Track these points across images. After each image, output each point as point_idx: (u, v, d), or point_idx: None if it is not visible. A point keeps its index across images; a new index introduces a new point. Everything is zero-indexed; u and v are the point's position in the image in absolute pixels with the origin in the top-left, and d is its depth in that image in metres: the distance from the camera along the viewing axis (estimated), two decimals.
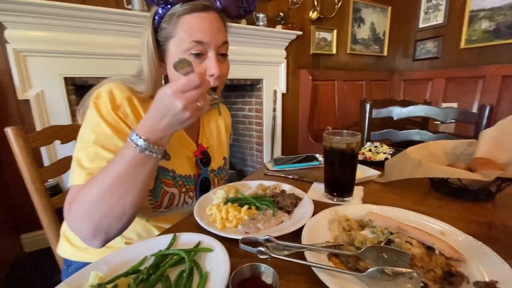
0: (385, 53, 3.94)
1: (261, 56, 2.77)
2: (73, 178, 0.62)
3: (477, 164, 0.78)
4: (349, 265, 0.47)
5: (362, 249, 0.48)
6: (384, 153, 1.09)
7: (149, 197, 0.74)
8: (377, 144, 1.19)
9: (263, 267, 0.43)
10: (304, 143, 3.26)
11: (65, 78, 1.86)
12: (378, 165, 1.07)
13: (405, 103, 1.50)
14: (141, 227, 0.80)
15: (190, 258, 0.49)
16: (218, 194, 0.77)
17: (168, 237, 0.57)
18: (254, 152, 3.37)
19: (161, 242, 0.55)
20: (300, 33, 2.87)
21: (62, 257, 0.82)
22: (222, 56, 0.73)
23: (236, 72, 2.68)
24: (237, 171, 3.52)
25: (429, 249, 0.49)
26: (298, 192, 0.78)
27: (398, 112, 1.38)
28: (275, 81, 3.02)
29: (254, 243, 0.52)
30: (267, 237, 0.52)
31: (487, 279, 0.43)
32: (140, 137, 0.53)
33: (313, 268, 0.46)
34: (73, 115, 1.92)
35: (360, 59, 3.75)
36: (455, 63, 3.31)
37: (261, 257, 0.48)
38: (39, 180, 0.89)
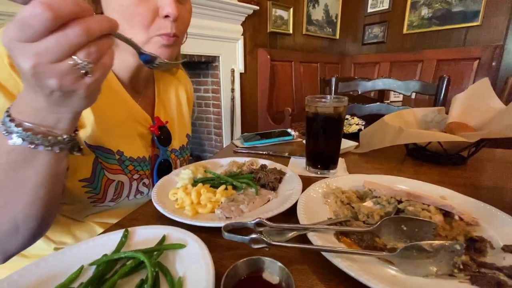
0: (337, 36, 4.04)
1: (217, 30, 2.54)
2: None
3: (453, 129, 0.77)
4: (365, 244, 0.38)
5: (378, 223, 0.39)
6: (357, 124, 1.05)
7: (87, 188, 0.55)
8: (348, 116, 1.15)
9: (266, 261, 0.30)
10: (264, 125, 3.19)
11: None
12: (352, 137, 1.02)
13: (364, 79, 1.51)
14: (76, 227, 0.60)
15: (153, 261, 0.34)
16: (183, 175, 0.61)
17: (116, 234, 0.40)
18: (213, 137, 3.18)
19: (106, 243, 0.38)
20: (257, 8, 2.71)
21: None
22: None
23: (190, 47, 2.41)
24: (194, 158, 3.30)
25: (446, 215, 0.42)
26: (279, 166, 0.67)
27: (363, 85, 1.38)
28: (232, 59, 2.83)
29: (241, 229, 0.39)
30: (257, 220, 0.39)
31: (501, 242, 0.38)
32: (16, 123, 0.33)
33: (324, 254, 0.35)
34: None
35: (315, 41, 3.78)
36: (399, 47, 3.57)
37: (255, 247, 0.36)
38: None
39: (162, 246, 0.37)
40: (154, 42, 0.52)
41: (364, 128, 1.01)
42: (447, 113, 0.89)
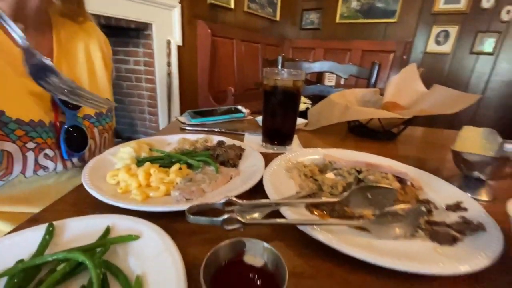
0: (278, 18, 4.07)
1: None
2: None
3: (388, 107, 0.86)
4: (336, 214, 0.38)
5: (347, 194, 0.39)
6: (304, 103, 1.07)
7: None
8: None
9: (248, 242, 0.26)
10: (205, 104, 3.04)
11: None
12: (300, 115, 1.04)
13: (308, 62, 1.56)
14: None
15: (97, 261, 0.25)
16: (121, 153, 0.50)
17: (34, 232, 0.29)
18: (147, 116, 2.87)
19: (19, 246, 0.28)
20: None
21: None
22: None
23: (114, 8, 2.03)
24: (124, 139, 2.93)
25: (400, 182, 0.46)
26: (238, 143, 0.62)
27: (308, 66, 1.42)
28: (167, 29, 2.54)
29: (207, 211, 0.34)
30: (226, 199, 0.35)
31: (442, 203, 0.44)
32: None
33: (301, 228, 0.33)
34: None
35: (256, 20, 3.72)
36: (332, 35, 3.83)
37: (228, 228, 0.31)
38: None
39: (107, 240, 0.29)
40: None
41: (311, 106, 1.04)
42: (381, 94, 0.98)
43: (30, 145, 0.47)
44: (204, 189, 0.42)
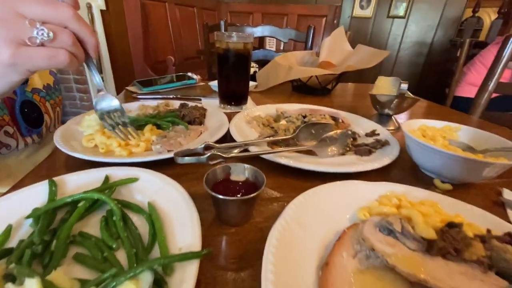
0: None
1: None
2: None
3: (323, 66, 1.00)
4: (291, 147, 0.49)
5: (296, 131, 0.50)
6: (252, 67, 1.14)
7: None
8: None
9: (232, 166, 0.35)
10: (143, 76, 2.82)
11: None
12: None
13: (249, 27, 1.59)
14: None
15: (109, 196, 0.31)
16: (87, 121, 0.51)
17: (36, 188, 0.32)
18: (76, 95, 2.54)
19: (25, 200, 0.31)
20: None
21: None
22: None
23: None
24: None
25: (334, 120, 0.59)
26: (199, 104, 0.67)
27: (251, 31, 1.46)
28: None
29: (193, 154, 0.41)
30: (205, 144, 0.42)
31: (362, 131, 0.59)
32: None
33: (266, 157, 0.43)
34: None
35: None
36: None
37: (212, 163, 0.39)
38: None
39: (112, 183, 0.34)
40: None
41: (259, 70, 1.12)
42: (317, 55, 1.11)
43: None
44: (181, 142, 0.48)
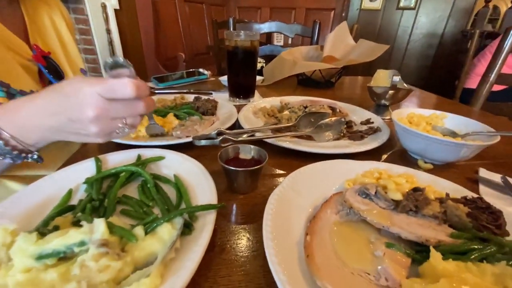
0: None
1: None
2: None
3: (327, 61, 1.05)
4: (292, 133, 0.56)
5: (297, 119, 0.57)
6: (259, 62, 1.20)
7: None
8: None
9: (240, 147, 0.42)
10: (155, 72, 2.92)
11: None
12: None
13: (256, 23, 1.65)
14: None
15: (143, 169, 0.39)
16: None
17: (85, 163, 0.41)
18: None
19: (78, 173, 0.39)
20: None
21: None
22: None
23: None
24: None
25: (332, 110, 0.66)
26: (212, 97, 0.75)
27: (258, 27, 1.52)
28: None
29: (208, 138, 0.48)
30: (218, 130, 0.49)
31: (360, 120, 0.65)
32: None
33: (270, 141, 0.51)
34: None
35: None
36: None
37: (224, 145, 0.46)
38: None
39: (145, 160, 0.42)
40: None
41: (265, 65, 1.18)
42: (322, 50, 1.17)
43: None
44: (197, 129, 0.56)
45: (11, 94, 0.49)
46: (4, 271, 0.24)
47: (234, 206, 0.38)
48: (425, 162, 0.50)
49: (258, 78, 1.06)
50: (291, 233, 0.31)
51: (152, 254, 0.26)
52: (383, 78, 0.80)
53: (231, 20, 1.49)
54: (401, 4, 3.37)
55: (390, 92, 0.68)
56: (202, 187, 0.37)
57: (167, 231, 0.28)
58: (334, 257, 0.27)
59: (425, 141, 0.47)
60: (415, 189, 0.33)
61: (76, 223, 0.30)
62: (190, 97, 0.76)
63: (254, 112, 0.68)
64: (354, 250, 0.28)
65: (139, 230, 0.27)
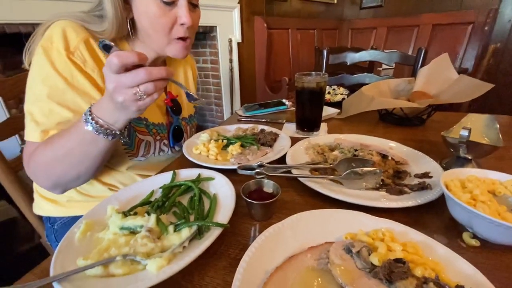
0: (335, 0, 3.97)
1: None
2: (28, 133, 0.61)
3: (415, 97, 0.96)
4: (327, 175, 0.60)
5: (336, 162, 0.60)
6: (341, 94, 1.23)
7: (124, 147, 0.74)
8: (335, 87, 1.32)
9: (265, 181, 0.52)
10: (262, 95, 3.32)
11: None
12: (336, 105, 1.21)
13: (355, 49, 1.64)
14: (122, 176, 0.80)
15: (197, 186, 0.55)
16: (202, 137, 0.81)
17: (167, 174, 0.61)
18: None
19: (163, 179, 0.60)
20: None
21: (41, 216, 0.80)
22: (192, 5, 0.68)
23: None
24: (197, 129, 3.47)
25: (384, 157, 0.64)
26: (275, 130, 0.87)
27: (351, 57, 1.52)
28: (229, 29, 2.87)
29: (249, 169, 0.60)
30: (259, 162, 0.61)
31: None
32: (91, 117, 0.51)
33: (300, 179, 0.57)
34: (6, 70, 1.58)
35: (311, 6, 3.73)
36: (396, 11, 3.55)
37: (258, 177, 0.57)
38: None
39: (200, 179, 0.59)
40: (174, 44, 0.68)
41: (347, 97, 1.19)
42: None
43: (158, 137, 0.81)
44: (249, 158, 0.69)
45: (147, 125, 0.78)
46: (105, 230, 0.44)
47: (252, 229, 0.48)
48: (473, 237, 0.42)
49: (333, 110, 1.10)
50: (267, 264, 0.38)
51: (173, 245, 0.40)
52: (476, 125, 0.68)
53: (325, 52, 1.56)
54: None
55: (465, 147, 0.58)
56: (226, 207, 0.49)
57: (185, 233, 0.41)
58: None
59: (468, 214, 0.41)
60: (397, 260, 0.33)
61: (147, 213, 0.49)
62: (262, 127, 0.91)
63: (307, 148, 0.74)
64: None
65: (170, 228, 0.43)
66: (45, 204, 0.78)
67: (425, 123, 0.99)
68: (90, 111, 0.52)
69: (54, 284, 0.33)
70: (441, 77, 0.97)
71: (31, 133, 0.60)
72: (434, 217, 0.49)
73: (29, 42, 0.64)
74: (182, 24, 0.65)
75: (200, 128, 0.99)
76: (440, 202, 0.49)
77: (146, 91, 0.45)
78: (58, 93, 0.59)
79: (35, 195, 0.80)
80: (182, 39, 0.68)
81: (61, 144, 0.56)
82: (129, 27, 0.68)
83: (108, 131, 0.52)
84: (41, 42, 0.60)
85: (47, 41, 0.60)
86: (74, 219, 0.68)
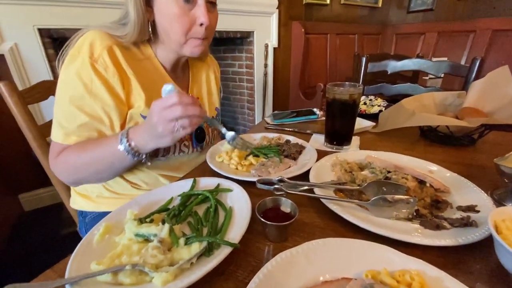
0: (380, 4, 3.77)
1: (252, 5, 2.59)
2: (53, 134, 0.67)
3: (465, 113, 0.85)
4: (353, 198, 0.55)
5: (365, 185, 0.55)
6: (379, 105, 1.14)
7: None
8: (372, 97, 1.24)
9: (283, 199, 0.49)
10: (295, 101, 3.27)
11: (40, 30, 1.69)
12: (372, 117, 1.12)
13: (398, 57, 1.52)
14: (144, 175, 0.82)
15: (214, 197, 0.55)
16: (226, 146, 0.81)
17: (189, 181, 0.62)
18: (246, 111, 3.36)
19: (183, 186, 0.60)
20: None
21: (76, 209, 0.87)
22: (211, 4, 0.70)
23: (224, 23, 2.50)
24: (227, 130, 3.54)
25: (421, 183, 0.57)
26: (301, 142, 0.83)
27: (392, 65, 1.41)
28: (266, 34, 2.88)
29: (269, 183, 0.58)
30: (280, 177, 0.58)
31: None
32: (126, 138, 0.60)
33: (322, 200, 0.53)
34: (54, 71, 1.80)
35: (354, 10, 3.58)
36: (449, 15, 3.25)
37: (277, 193, 0.54)
38: (41, 137, 0.88)
39: (218, 189, 0.58)
40: (190, 42, 0.71)
41: (385, 109, 1.10)
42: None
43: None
44: (270, 171, 0.66)
45: None
46: (122, 235, 0.45)
47: (265, 250, 0.45)
48: None
49: (368, 123, 1.02)
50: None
51: (181, 259, 0.40)
52: None
53: (363, 60, 1.48)
54: None
55: None
56: (240, 223, 0.47)
57: (195, 248, 0.41)
58: None
59: None
60: None
61: (163, 221, 0.49)
62: (287, 137, 0.88)
63: (333, 164, 0.69)
64: None
65: (181, 241, 0.42)
66: (78, 199, 0.84)
67: (476, 143, 0.88)
68: (127, 132, 0.60)
69: (67, 286, 0.35)
70: (498, 93, 0.85)
71: (56, 134, 0.67)
72: (478, 262, 0.41)
73: (63, 50, 0.70)
74: (201, 25, 0.68)
75: (230, 130, 0.98)
76: (487, 243, 0.42)
77: (182, 125, 0.53)
78: (78, 98, 0.65)
79: (72, 192, 0.86)
80: (200, 39, 0.71)
81: (93, 153, 0.64)
82: (150, 29, 0.72)
83: (136, 153, 0.61)
84: (71, 51, 0.66)
85: (75, 50, 0.66)
86: (102, 214, 0.72)
